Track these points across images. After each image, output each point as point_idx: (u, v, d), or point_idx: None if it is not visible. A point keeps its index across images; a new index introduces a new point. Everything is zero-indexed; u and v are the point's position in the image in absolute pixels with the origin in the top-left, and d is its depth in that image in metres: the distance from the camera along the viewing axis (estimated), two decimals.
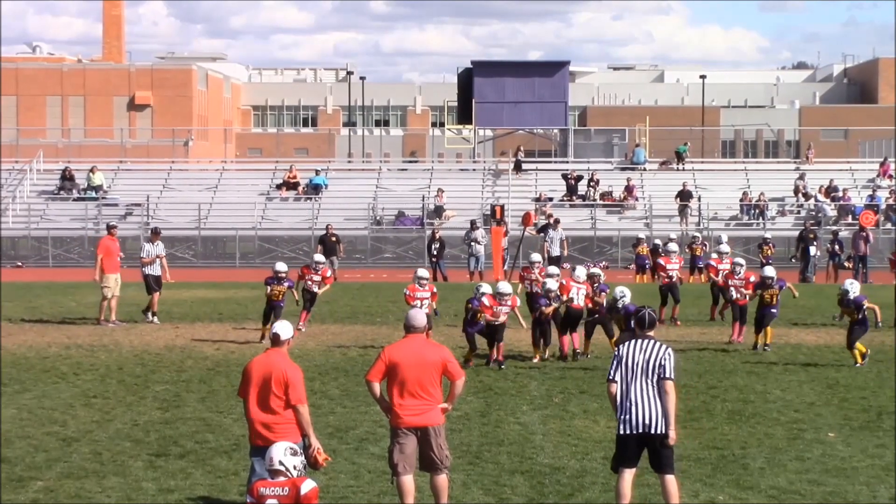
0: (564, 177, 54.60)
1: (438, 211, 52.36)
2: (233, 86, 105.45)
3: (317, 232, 48.51)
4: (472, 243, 43.55)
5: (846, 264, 43.31)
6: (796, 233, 46.13)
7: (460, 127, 60.83)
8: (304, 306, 26.18)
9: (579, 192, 53.76)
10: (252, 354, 16.37)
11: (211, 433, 16.00)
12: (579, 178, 53.95)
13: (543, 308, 22.44)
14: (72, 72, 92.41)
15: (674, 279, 28.57)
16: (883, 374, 21.04)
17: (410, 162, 75.42)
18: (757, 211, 52.78)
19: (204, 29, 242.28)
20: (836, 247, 43.41)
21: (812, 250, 43.32)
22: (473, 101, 57.38)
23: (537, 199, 53.27)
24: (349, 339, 25.66)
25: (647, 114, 71.68)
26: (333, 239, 42.57)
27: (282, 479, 9.56)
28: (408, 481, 11.83)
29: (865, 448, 15.25)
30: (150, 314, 28.42)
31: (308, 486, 9.44)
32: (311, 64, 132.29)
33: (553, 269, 24.74)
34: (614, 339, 21.85)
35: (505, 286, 22.19)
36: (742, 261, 26.13)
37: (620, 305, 21.38)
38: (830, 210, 51.93)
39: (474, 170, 58.41)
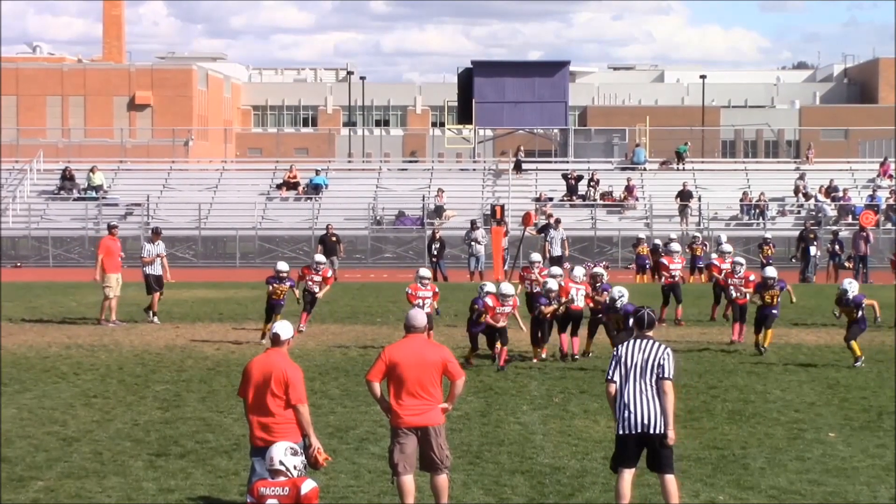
0: (564, 177, 54.60)
1: (439, 211, 52.36)
2: (233, 86, 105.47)
3: (317, 232, 48.51)
4: (473, 243, 43.56)
5: (846, 264, 43.32)
6: (796, 233, 46.13)
7: (460, 127, 60.83)
8: (304, 307, 26.17)
9: (579, 192, 53.76)
10: (252, 354, 16.38)
11: (211, 433, 16.00)
12: (579, 178, 53.95)
13: (543, 308, 22.44)
14: (72, 72, 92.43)
15: (676, 279, 28.58)
16: (883, 374, 21.03)
17: (410, 162, 75.43)
18: (757, 211, 52.78)
19: (204, 29, 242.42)
20: (837, 247, 43.42)
21: (812, 250, 43.32)
22: (473, 101, 57.38)
23: (537, 199, 53.27)
24: (349, 338, 25.67)
25: (648, 114, 71.68)
26: (334, 239, 42.58)
27: (282, 478, 9.56)
28: (408, 481, 11.83)
29: (866, 448, 15.25)
30: (150, 314, 28.43)
31: (308, 485, 9.45)
32: (312, 64, 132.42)
33: (555, 270, 24.76)
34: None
35: (508, 287, 22.21)
36: (742, 260, 26.14)
37: (619, 305, 21.38)
38: (831, 210, 51.92)
39: (474, 170, 58.41)
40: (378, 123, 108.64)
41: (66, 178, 54.77)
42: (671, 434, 11.50)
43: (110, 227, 29.91)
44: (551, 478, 13.69)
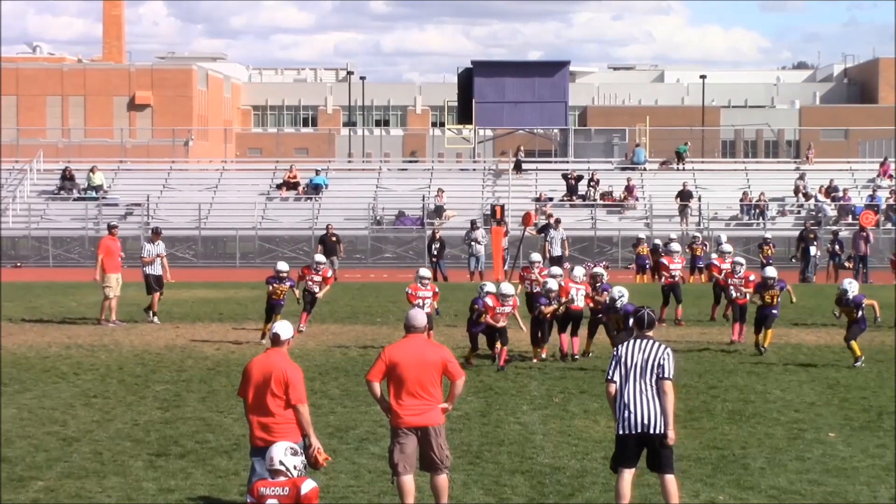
0: (564, 177, 54.61)
1: (439, 211, 52.37)
2: (233, 86, 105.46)
3: (317, 232, 48.51)
4: (473, 243, 43.56)
5: (846, 264, 43.32)
6: (796, 233, 46.13)
7: (460, 127, 60.84)
8: (304, 308, 26.16)
9: (579, 192, 53.77)
10: (252, 354, 16.38)
11: (211, 433, 16.00)
12: (579, 178, 53.96)
13: (543, 307, 22.44)
14: (72, 72, 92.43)
15: (676, 279, 28.57)
16: (883, 374, 21.03)
17: (410, 162, 75.43)
18: (757, 211, 52.78)
19: (204, 29, 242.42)
20: (837, 247, 43.42)
21: (812, 250, 43.32)
22: (473, 101, 57.39)
23: (537, 199, 53.27)
24: (349, 338, 25.67)
25: (648, 114, 71.68)
26: (334, 239, 42.58)
27: (282, 478, 9.56)
28: (408, 481, 11.83)
29: (866, 448, 15.25)
30: (150, 314, 28.43)
31: (308, 485, 9.45)
32: (312, 64, 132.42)
33: (556, 270, 24.76)
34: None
35: (508, 287, 22.18)
36: (742, 260, 26.12)
37: (619, 306, 21.37)
38: (831, 210, 51.93)
39: (474, 170, 58.42)
40: (378, 123, 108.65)
41: (66, 178, 54.78)
42: (671, 434, 11.50)
43: (110, 227, 29.91)
44: (551, 478, 13.69)
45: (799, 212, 53.07)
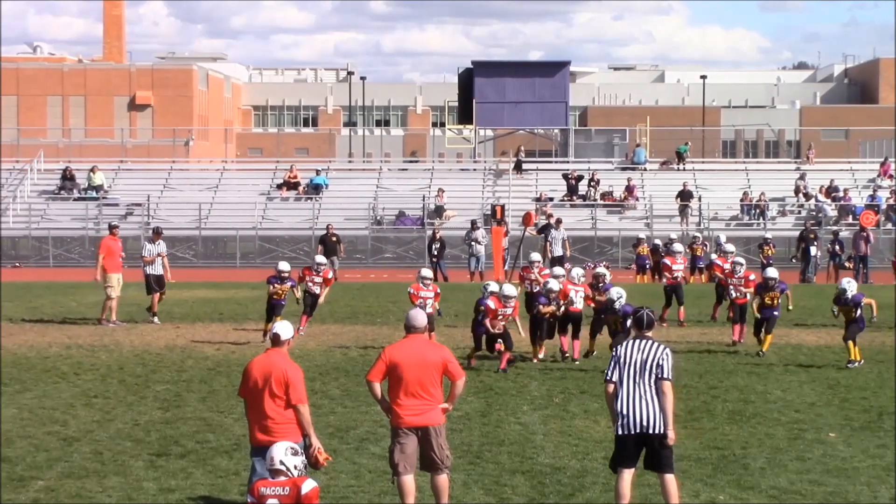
0: (565, 177, 54.62)
1: (439, 211, 52.37)
2: (233, 86, 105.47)
3: (317, 232, 48.52)
4: (473, 243, 43.57)
5: (847, 264, 43.32)
6: (797, 233, 46.12)
7: (461, 127, 60.84)
8: (304, 310, 26.07)
9: (580, 192, 53.77)
10: (252, 354, 16.37)
11: (212, 433, 16.00)
12: (580, 178, 53.97)
13: (541, 308, 22.41)
14: (72, 72, 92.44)
15: (678, 280, 28.53)
16: (883, 375, 21.03)
17: (411, 162, 75.43)
18: (757, 211, 52.78)
19: (204, 29, 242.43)
20: (837, 247, 43.43)
21: (813, 250, 43.32)
22: (474, 101, 57.40)
23: (538, 199, 53.28)
24: (349, 339, 25.67)
25: (648, 114, 71.69)
26: (334, 239, 42.59)
27: (282, 478, 9.57)
28: (408, 481, 11.83)
29: (866, 448, 15.26)
30: (151, 313, 28.44)
31: (309, 485, 9.45)
32: (312, 64, 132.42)
33: (558, 270, 24.74)
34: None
35: (510, 289, 22.05)
36: (742, 260, 26.07)
37: (618, 307, 21.30)
38: (831, 210, 51.93)
39: (475, 170, 58.43)
40: (378, 123, 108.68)
41: (67, 178, 54.79)
42: (671, 434, 11.51)
43: (111, 227, 29.91)
44: (552, 478, 13.69)
45: (799, 212, 53.07)
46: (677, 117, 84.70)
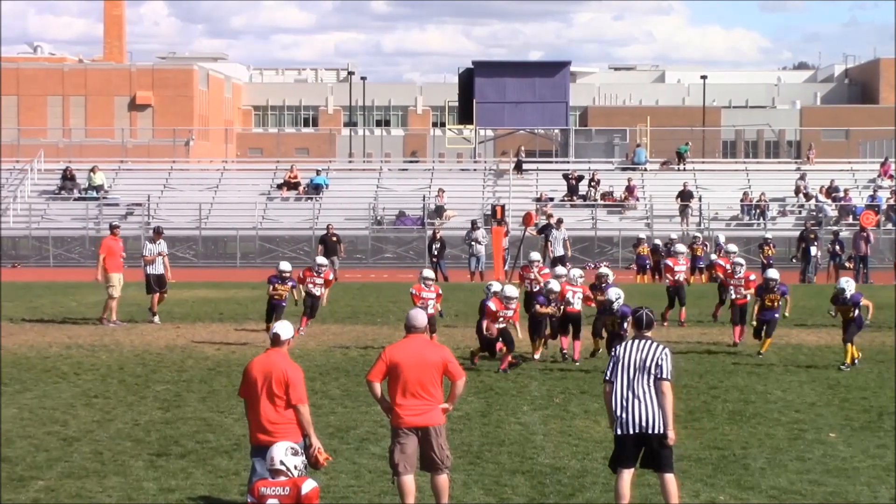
0: (565, 177, 54.63)
1: (439, 211, 52.38)
2: (234, 86, 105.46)
3: (317, 232, 48.52)
4: (473, 243, 43.58)
5: (847, 265, 43.33)
6: (797, 233, 46.13)
7: (461, 127, 60.85)
8: (304, 311, 26.05)
9: (580, 193, 53.78)
10: (253, 354, 16.38)
11: (212, 433, 16.01)
12: (580, 178, 53.98)
13: (538, 308, 22.40)
14: (73, 72, 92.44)
15: (681, 281, 28.50)
16: (883, 375, 21.03)
17: (411, 162, 75.43)
18: (758, 211, 52.79)
19: (205, 29, 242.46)
20: (837, 247, 43.44)
21: (813, 251, 43.32)
22: (474, 101, 57.41)
23: (538, 200, 53.29)
24: (350, 339, 25.67)
25: (648, 114, 71.70)
26: (334, 239, 42.60)
27: (283, 478, 9.57)
28: (408, 481, 11.83)
29: (866, 448, 15.26)
30: (151, 313, 28.45)
31: (309, 485, 9.46)
32: (312, 64, 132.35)
33: (560, 270, 24.72)
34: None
35: (511, 290, 21.98)
36: (741, 261, 26.05)
37: (616, 308, 21.25)
38: (831, 210, 51.94)
39: (475, 170, 58.44)
40: (379, 123, 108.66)
41: (67, 177, 54.81)
42: (671, 434, 11.51)
43: (112, 227, 29.91)
44: (552, 478, 13.70)
45: (799, 212, 53.07)
46: (677, 117, 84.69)
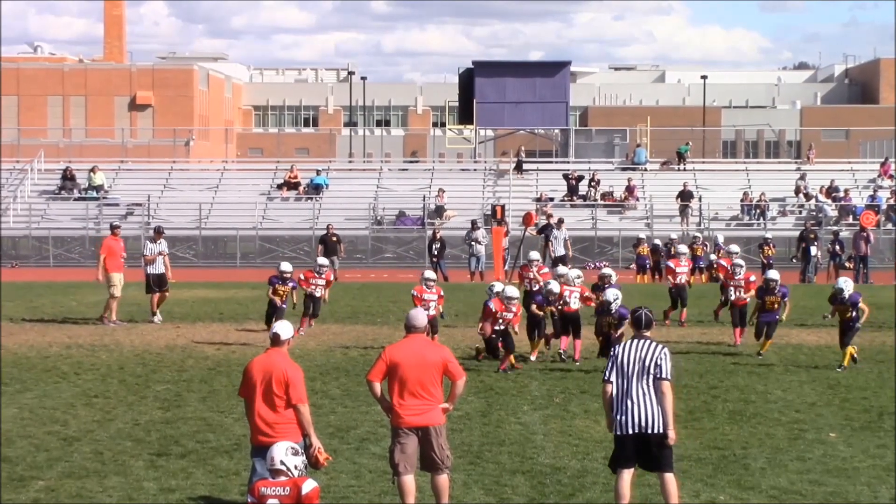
0: (565, 177, 54.63)
1: (439, 211, 52.39)
2: (234, 86, 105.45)
3: (317, 232, 48.52)
4: (473, 243, 43.58)
5: (847, 265, 43.33)
6: (797, 233, 46.12)
7: (461, 127, 60.85)
8: (304, 312, 26.02)
9: (580, 193, 53.79)
10: (253, 354, 16.38)
11: (212, 433, 16.01)
12: (580, 178, 53.99)
13: (534, 308, 22.40)
14: (73, 72, 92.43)
15: (682, 281, 28.47)
16: (883, 375, 21.03)
17: (411, 162, 75.43)
18: (758, 211, 52.79)
19: (205, 29, 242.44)
20: (837, 247, 43.44)
21: (813, 251, 43.32)
22: (474, 101, 57.42)
23: (538, 200, 53.30)
24: (350, 338, 25.67)
25: (649, 114, 71.72)
26: (334, 239, 42.61)
27: (283, 478, 9.57)
28: (409, 481, 11.83)
29: (867, 448, 15.26)
30: (152, 314, 28.46)
31: (309, 485, 9.46)
32: (312, 64, 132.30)
33: (561, 269, 24.71)
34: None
35: (512, 290, 21.95)
36: (741, 262, 26.03)
37: (613, 309, 21.22)
38: (831, 210, 51.95)
39: (475, 170, 58.44)
40: (379, 123, 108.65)
41: (67, 177, 54.81)
42: (671, 434, 11.51)
43: (113, 227, 29.92)
44: (552, 478, 13.70)
45: (800, 212, 53.08)
46: (678, 117, 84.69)
